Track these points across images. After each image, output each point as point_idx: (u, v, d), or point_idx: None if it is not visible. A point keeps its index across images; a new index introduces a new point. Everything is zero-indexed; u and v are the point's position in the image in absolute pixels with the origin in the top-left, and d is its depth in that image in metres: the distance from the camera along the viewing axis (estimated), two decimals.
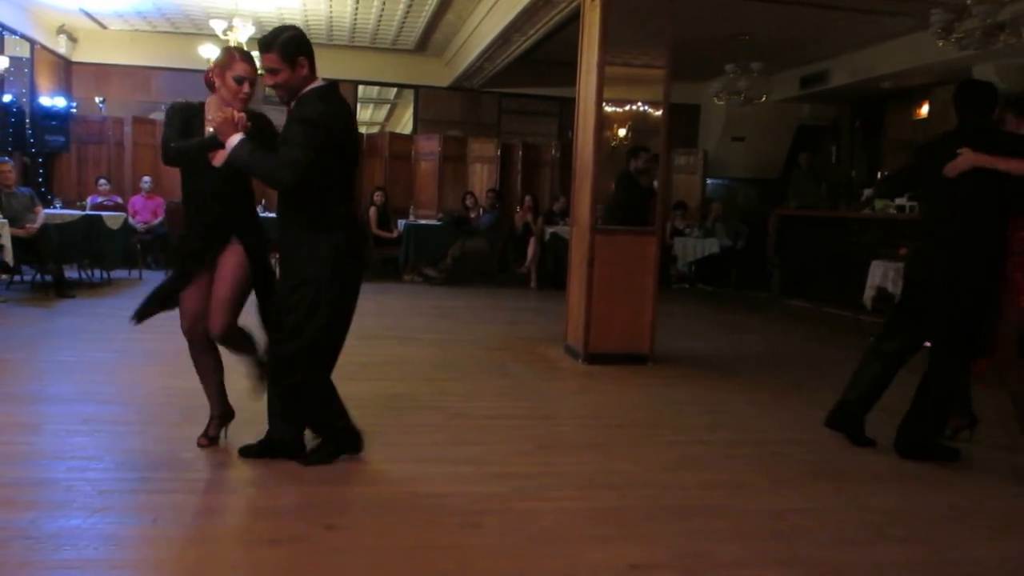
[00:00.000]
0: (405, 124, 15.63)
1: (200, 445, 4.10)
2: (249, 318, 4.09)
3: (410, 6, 11.65)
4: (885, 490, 4.11)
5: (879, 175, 11.81)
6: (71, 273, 10.12)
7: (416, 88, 14.88)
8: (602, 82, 6.72)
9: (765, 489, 4.04)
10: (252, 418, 4.13)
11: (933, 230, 4.66)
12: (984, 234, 4.42)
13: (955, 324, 4.51)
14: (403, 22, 12.49)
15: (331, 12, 12.05)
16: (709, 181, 15.00)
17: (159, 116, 13.58)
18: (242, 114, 3.69)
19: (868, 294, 8.46)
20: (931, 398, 4.56)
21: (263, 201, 10.34)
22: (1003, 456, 4.79)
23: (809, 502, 3.87)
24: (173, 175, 12.72)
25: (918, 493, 4.10)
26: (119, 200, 12.27)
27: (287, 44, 3.69)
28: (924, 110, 12.85)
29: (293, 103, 3.78)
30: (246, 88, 3.88)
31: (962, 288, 4.44)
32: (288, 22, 12.27)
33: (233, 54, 3.94)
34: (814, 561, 3.21)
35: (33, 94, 12.22)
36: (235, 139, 3.59)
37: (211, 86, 3.96)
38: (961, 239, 4.45)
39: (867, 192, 11.68)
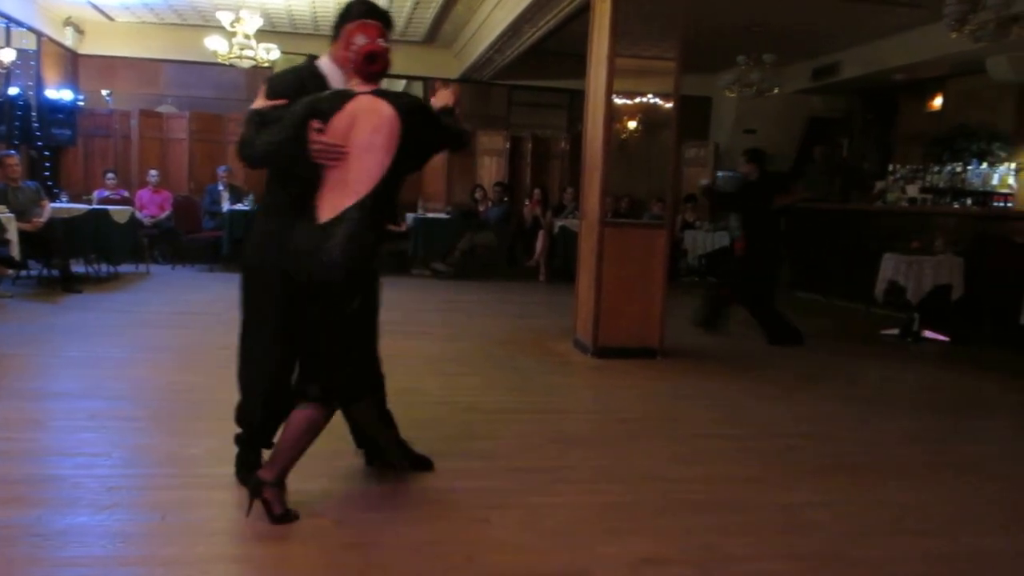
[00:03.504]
0: None
1: None
2: None
3: None
4: (901, 483, 4.07)
5: (891, 168, 11.76)
6: (78, 267, 10.09)
7: (425, 80, 14.77)
8: (612, 74, 6.66)
9: (778, 483, 3.99)
10: None
11: None
12: None
13: None
14: (412, 13, 12.44)
15: (339, 2, 11.97)
16: (720, 174, 14.90)
17: (166, 109, 13.59)
18: None
19: (880, 287, 8.42)
20: None
21: None
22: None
23: (824, 496, 3.82)
24: (180, 168, 12.81)
25: (935, 485, 4.06)
26: (126, 194, 12.23)
27: None
28: (937, 102, 12.78)
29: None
30: None
31: None
32: (296, 13, 12.33)
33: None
34: (829, 555, 3.16)
35: (39, 87, 12.17)
36: None
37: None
38: None
39: (879, 184, 11.62)
